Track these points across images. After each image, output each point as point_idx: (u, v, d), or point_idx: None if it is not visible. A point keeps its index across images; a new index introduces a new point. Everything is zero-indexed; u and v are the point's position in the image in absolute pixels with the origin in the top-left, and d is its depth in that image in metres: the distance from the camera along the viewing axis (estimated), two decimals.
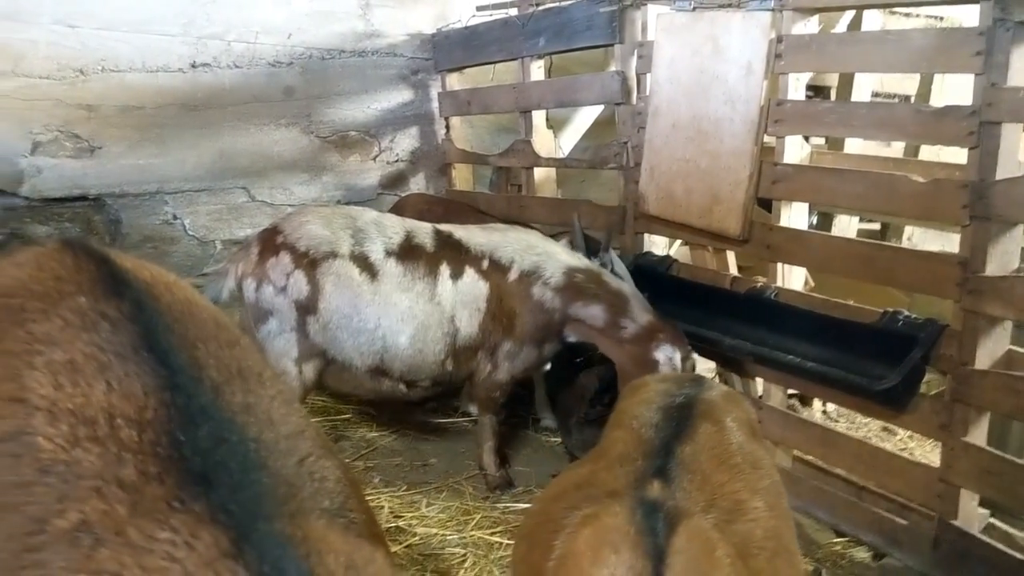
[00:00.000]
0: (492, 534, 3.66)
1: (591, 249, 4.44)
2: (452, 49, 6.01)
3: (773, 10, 3.79)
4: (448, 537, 3.62)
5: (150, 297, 1.35)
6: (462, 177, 6.32)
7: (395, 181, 6.34)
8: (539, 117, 5.40)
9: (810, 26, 3.84)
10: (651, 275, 4.50)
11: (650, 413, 1.85)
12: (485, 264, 3.90)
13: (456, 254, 3.88)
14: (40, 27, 5.17)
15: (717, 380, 4.48)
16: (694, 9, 4.19)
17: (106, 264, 1.43)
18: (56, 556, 1.00)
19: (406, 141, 6.34)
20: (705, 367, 4.53)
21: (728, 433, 1.83)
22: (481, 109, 5.92)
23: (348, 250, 3.69)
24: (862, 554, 3.74)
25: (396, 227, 3.88)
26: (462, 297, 3.83)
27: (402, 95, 6.28)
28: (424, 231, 3.92)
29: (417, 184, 6.40)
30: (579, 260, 4.09)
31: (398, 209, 5.38)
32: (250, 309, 3.72)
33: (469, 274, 3.87)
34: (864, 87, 5.16)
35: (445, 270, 3.82)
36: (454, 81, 6.16)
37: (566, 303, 3.94)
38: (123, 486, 1.04)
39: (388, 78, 6.20)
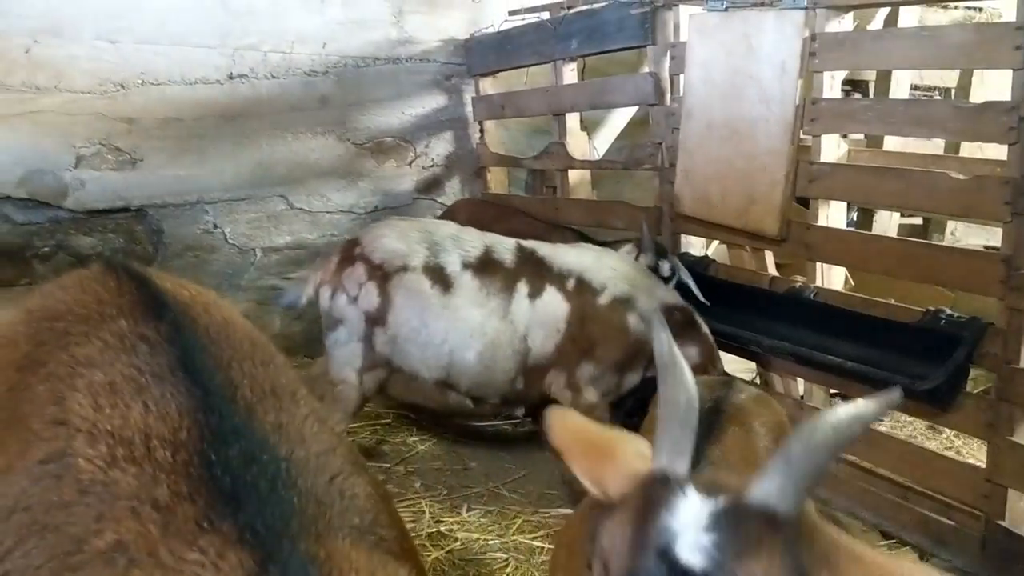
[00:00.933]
0: (533, 538, 3.67)
1: (658, 254, 4.37)
2: (485, 53, 6.02)
3: (806, 8, 3.75)
4: (490, 542, 3.63)
5: (188, 318, 1.38)
6: (497, 180, 6.33)
7: (431, 186, 6.37)
8: (573, 120, 5.39)
9: (844, 23, 3.80)
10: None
11: None
12: (571, 284, 3.79)
13: (537, 271, 3.78)
14: (81, 43, 5.27)
15: (757, 381, 4.45)
16: (727, 9, 4.16)
17: (146, 286, 1.46)
18: None
19: (441, 146, 6.37)
20: (745, 367, 4.51)
21: (755, 436, 1.83)
22: (515, 113, 5.93)
23: (422, 263, 3.67)
24: (909, 556, 3.68)
25: (475, 241, 3.83)
26: (538, 316, 3.74)
27: (436, 100, 6.30)
28: (506, 247, 3.84)
29: (452, 188, 6.43)
30: (675, 297, 3.99)
31: (449, 215, 5.42)
32: (323, 317, 3.77)
33: (550, 292, 3.76)
34: (903, 81, 5.09)
35: (523, 288, 3.74)
36: (487, 85, 6.18)
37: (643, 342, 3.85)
38: (157, 506, 1.07)
39: (422, 84, 6.23)
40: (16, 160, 5.25)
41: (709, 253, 4.83)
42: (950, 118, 3.35)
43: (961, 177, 3.29)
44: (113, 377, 1.22)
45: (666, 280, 4.22)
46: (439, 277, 3.66)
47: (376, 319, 3.66)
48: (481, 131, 6.27)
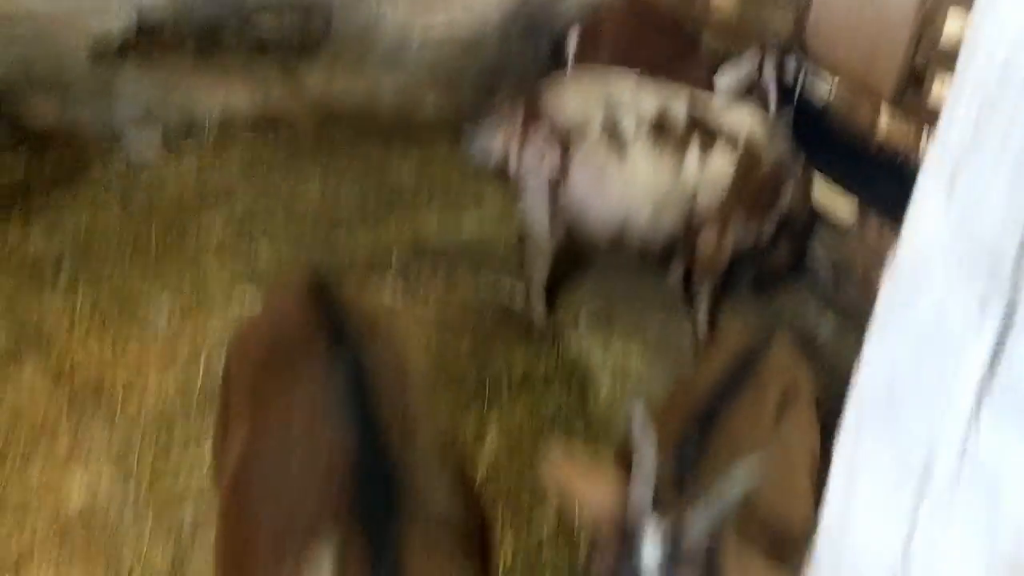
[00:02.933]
0: (630, 352, 4.45)
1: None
2: None
3: None
4: (593, 358, 4.41)
5: (368, 356, 2.06)
6: None
7: None
8: None
9: None
10: (808, 113, 4.78)
11: (706, 383, 2.45)
12: (740, 144, 4.10)
13: (708, 133, 4.06)
14: None
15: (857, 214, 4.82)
16: None
17: (341, 314, 2.18)
18: None
19: None
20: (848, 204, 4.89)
21: (766, 402, 2.39)
22: None
23: (599, 126, 3.97)
24: None
25: (650, 100, 4.07)
26: (709, 174, 4.06)
27: None
28: (679, 105, 4.09)
29: None
30: (792, 148, 4.38)
31: (594, 25, 5.63)
32: (511, 172, 4.21)
33: (719, 153, 4.06)
34: None
35: (695, 149, 4.02)
36: None
37: (796, 200, 4.36)
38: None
39: None
40: None
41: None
42: None
43: None
44: (303, 400, 1.98)
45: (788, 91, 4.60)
46: (615, 141, 3.97)
47: (558, 180, 4.05)
48: None
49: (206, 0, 5.96)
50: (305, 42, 6.27)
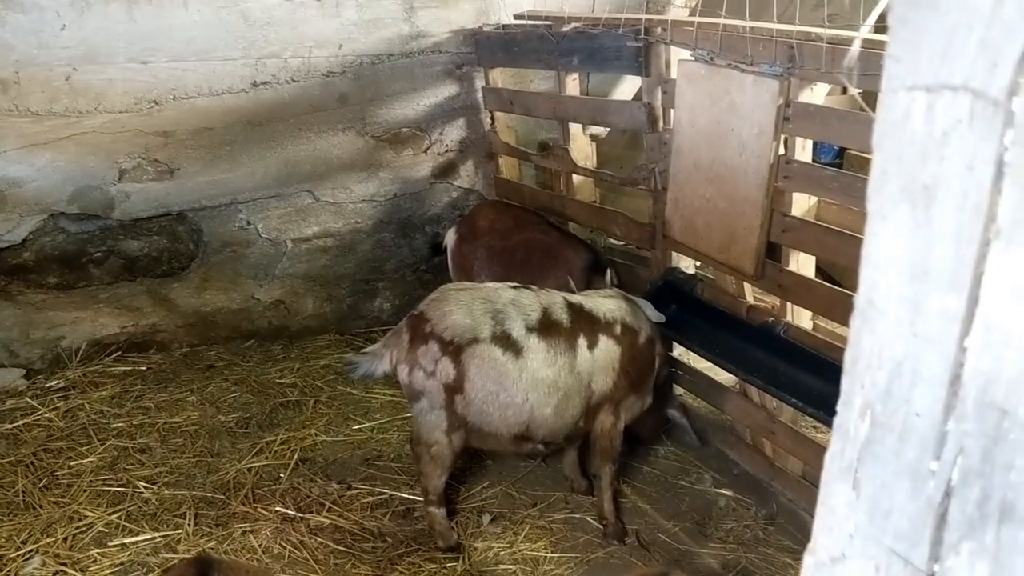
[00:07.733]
0: (537, 547, 4.35)
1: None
2: (494, 50, 6.30)
3: (781, 76, 4.10)
4: (500, 553, 4.31)
5: None
6: (508, 165, 6.70)
7: (446, 170, 6.79)
8: (576, 127, 5.75)
9: (816, 94, 4.14)
10: (678, 293, 5.00)
11: None
12: (618, 329, 4.37)
13: (590, 325, 4.29)
14: (116, 66, 5.67)
15: (737, 388, 5.00)
16: (711, 60, 4.48)
17: None
18: None
19: (454, 132, 6.74)
20: (728, 377, 5.07)
21: None
22: (522, 110, 6.25)
23: (489, 333, 4.05)
24: None
25: (533, 304, 4.21)
26: (599, 363, 4.29)
27: (448, 89, 6.63)
28: (558, 306, 4.27)
29: (467, 171, 6.84)
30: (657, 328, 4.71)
31: (471, 220, 5.92)
32: (404, 389, 4.23)
33: (603, 341, 4.31)
34: None
35: (583, 342, 4.23)
36: (497, 76, 6.47)
37: (662, 367, 4.75)
38: None
39: (435, 75, 6.55)
40: (66, 179, 5.76)
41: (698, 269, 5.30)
42: None
43: None
44: None
45: None
46: (508, 343, 4.07)
47: (455, 388, 4.06)
48: (491, 119, 6.61)
49: (67, 235, 5.86)
50: (174, 262, 6.20)
